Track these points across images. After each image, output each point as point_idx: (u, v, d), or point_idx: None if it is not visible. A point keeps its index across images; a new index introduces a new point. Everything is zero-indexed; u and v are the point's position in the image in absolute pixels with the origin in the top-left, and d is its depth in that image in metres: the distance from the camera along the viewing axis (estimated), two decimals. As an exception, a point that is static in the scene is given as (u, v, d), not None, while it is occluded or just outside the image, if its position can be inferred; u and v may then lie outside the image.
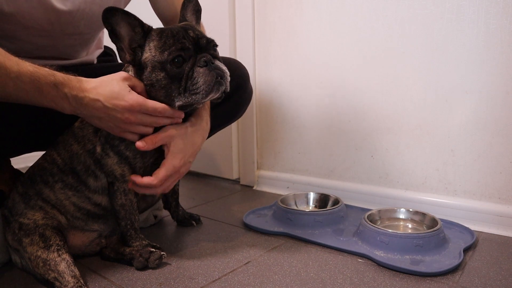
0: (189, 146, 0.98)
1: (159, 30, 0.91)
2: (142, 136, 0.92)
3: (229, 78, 0.91)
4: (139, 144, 0.91)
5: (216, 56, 0.91)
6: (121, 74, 0.88)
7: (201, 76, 0.86)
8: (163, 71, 0.87)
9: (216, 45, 0.94)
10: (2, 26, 0.93)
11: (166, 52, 0.87)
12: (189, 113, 1.00)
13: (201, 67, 0.87)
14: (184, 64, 0.87)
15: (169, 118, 0.93)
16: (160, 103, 0.89)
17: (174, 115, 0.92)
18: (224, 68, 0.90)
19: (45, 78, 0.79)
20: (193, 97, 0.87)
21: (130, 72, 0.93)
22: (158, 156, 0.98)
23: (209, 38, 0.92)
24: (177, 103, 0.89)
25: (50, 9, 0.92)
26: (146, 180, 0.94)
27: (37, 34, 0.97)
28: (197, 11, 1.03)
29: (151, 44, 0.89)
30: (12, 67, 0.76)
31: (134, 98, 0.85)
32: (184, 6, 1.00)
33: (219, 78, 0.88)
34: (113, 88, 0.84)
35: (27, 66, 0.78)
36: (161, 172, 0.94)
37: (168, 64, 0.86)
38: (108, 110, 0.84)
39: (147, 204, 1.13)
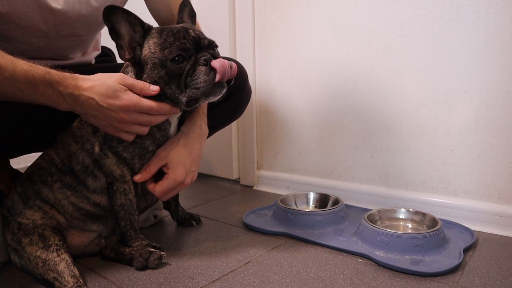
0: (187, 156, 0.99)
1: (159, 28, 0.91)
2: (138, 136, 0.93)
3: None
4: (136, 178, 0.96)
5: (216, 56, 0.92)
6: (119, 74, 0.88)
7: (202, 74, 0.87)
8: (163, 69, 0.88)
9: (217, 46, 0.94)
10: None
11: (166, 50, 0.87)
12: (182, 119, 1.00)
13: (202, 65, 0.88)
14: (184, 62, 0.88)
15: (165, 115, 0.93)
16: (156, 102, 0.89)
17: (171, 112, 0.93)
18: None
19: (40, 77, 0.78)
20: (193, 91, 0.88)
21: (130, 73, 0.93)
22: None
23: (210, 39, 0.93)
24: (182, 99, 0.89)
25: (44, 8, 0.92)
26: (151, 188, 0.98)
27: (33, 34, 0.97)
28: (192, 16, 1.05)
29: (151, 41, 0.89)
30: (6, 66, 0.75)
31: (129, 97, 0.85)
32: (181, 9, 1.02)
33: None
34: (108, 87, 0.84)
35: (21, 65, 0.77)
36: (162, 185, 0.97)
37: (168, 62, 0.87)
38: (103, 109, 0.84)
39: (147, 203, 1.13)
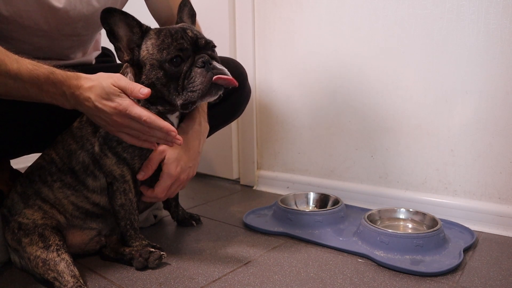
0: (184, 152, 0.99)
1: (157, 29, 0.91)
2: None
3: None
4: (139, 176, 0.97)
5: (214, 57, 0.92)
6: (116, 76, 0.86)
7: (198, 76, 0.87)
8: (161, 70, 0.88)
9: (215, 46, 0.94)
10: None
11: (164, 52, 0.87)
12: (183, 116, 1.01)
13: (199, 67, 0.87)
14: (182, 64, 0.87)
15: (162, 133, 0.87)
16: (147, 112, 0.84)
17: (166, 130, 0.86)
18: (222, 69, 0.90)
19: (44, 76, 0.79)
20: (189, 94, 0.88)
21: (129, 74, 0.93)
22: None
23: (208, 39, 0.92)
24: (178, 102, 0.89)
25: (46, 7, 0.93)
26: (150, 194, 0.99)
27: (35, 34, 0.97)
28: (192, 15, 1.04)
29: (149, 42, 0.89)
30: (12, 65, 0.76)
31: (121, 102, 0.83)
32: (180, 9, 1.02)
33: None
34: (103, 89, 0.82)
35: (26, 64, 0.78)
36: (160, 185, 0.98)
37: (166, 63, 0.87)
38: (98, 110, 0.83)
39: (146, 203, 1.13)
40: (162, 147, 0.97)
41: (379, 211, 1.17)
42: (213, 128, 1.20)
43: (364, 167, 1.42)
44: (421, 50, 1.24)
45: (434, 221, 1.08)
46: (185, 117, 1.02)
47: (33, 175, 1.00)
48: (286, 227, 1.18)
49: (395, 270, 0.93)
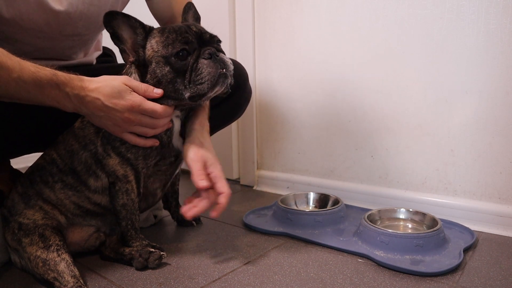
0: (211, 149, 0.98)
1: (161, 28, 0.92)
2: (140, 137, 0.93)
3: (233, 71, 0.91)
4: (200, 185, 0.91)
5: (220, 50, 0.92)
6: (123, 77, 0.89)
7: (205, 68, 0.87)
8: (167, 65, 0.88)
9: (220, 41, 0.94)
10: (0, 28, 0.93)
11: (170, 47, 0.87)
12: (183, 117, 1.01)
13: (206, 59, 0.87)
14: (188, 57, 0.88)
15: (167, 118, 0.94)
16: (160, 105, 0.90)
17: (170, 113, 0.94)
18: (229, 61, 0.91)
19: (47, 78, 0.79)
20: (198, 87, 0.87)
21: (134, 74, 0.93)
22: (160, 157, 0.99)
23: (212, 34, 0.93)
24: (186, 95, 0.89)
25: (48, 10, 0.93)
26: (222, 199, 0.93)
27: (36, 35, 0.97)
28: (196, 19, 1.05)
29: (153, 41, 0.90)
30: (14, 67, 0.76)
31: (134, 98, 0.87)
32: (185, 11, 1.03)
33: (223, 70, 0.88)
34: (114, 88, 0.85)
35: (28, 66, 0.78)
36: (223, 183, 0.93)
37: (172, 57, 0.87)
38: (108, 109, 0.85)
39: (148, 204, 1.13)
40: (195, 156, 0.94)
41: (379, 211, 1.17)
42: (214, 129, 1.20)
43: (364, 167, 1.42)
44: (421, 50, 1.24)
45: (434, 221, 1.08)
46: (192, 118, 1.01)
47: (34, 176, 1.00)
48: (286, 227, 1.18)
49: (395, 270, 0.93)
